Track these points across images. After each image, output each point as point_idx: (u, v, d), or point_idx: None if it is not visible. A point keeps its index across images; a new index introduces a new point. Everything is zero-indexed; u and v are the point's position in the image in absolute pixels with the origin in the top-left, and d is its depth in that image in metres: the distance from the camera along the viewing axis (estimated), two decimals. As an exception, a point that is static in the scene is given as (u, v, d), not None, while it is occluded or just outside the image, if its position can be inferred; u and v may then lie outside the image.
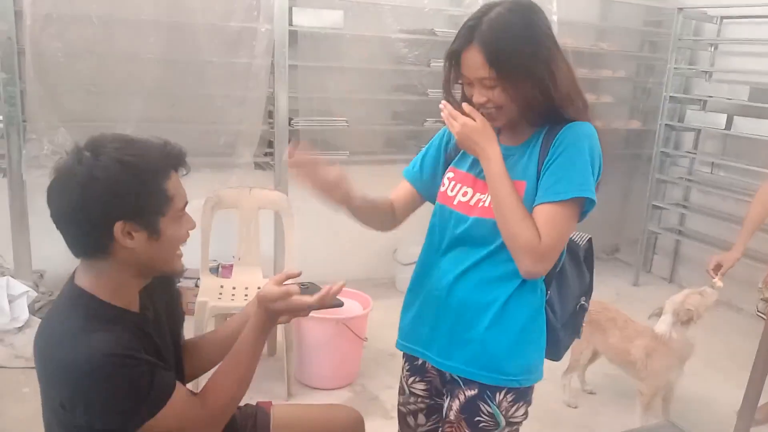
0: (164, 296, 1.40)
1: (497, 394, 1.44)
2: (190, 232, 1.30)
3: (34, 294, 3.15)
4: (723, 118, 4.14)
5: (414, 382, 1.63)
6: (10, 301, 3.02)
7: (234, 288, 2.98)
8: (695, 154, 4.53)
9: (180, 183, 1.25)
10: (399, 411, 1.71)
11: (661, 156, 4.55)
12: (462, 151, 1.51)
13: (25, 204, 3.20)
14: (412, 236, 4.22)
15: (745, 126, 4.01)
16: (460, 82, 1.45)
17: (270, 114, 3.58)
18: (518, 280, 1.42)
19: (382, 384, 3.04)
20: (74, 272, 1.27)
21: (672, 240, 4.74)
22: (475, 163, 1.46)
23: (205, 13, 3.31)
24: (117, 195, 1.15)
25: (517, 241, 1.34)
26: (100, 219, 1.15)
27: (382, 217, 1.61)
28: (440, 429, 1.56)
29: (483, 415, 1.45)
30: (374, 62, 3.92)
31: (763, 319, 2.37)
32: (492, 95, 1.37)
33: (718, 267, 2.74)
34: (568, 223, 1.36)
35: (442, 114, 1.44)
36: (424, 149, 1.65)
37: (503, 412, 1.45)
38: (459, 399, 1.47)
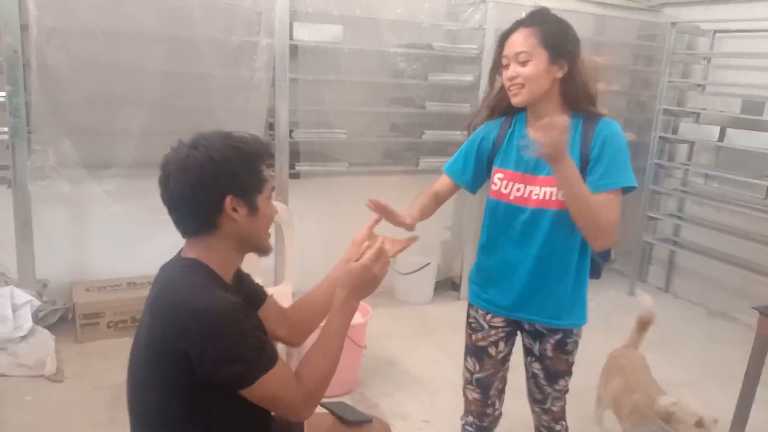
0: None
1: (575, 330, 1.92)
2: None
3: (37, 303, 3.19)
4: (716, 130, 4.21)
5: (492, 318, 1.97)
6: (13, 310, 3.06)
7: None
8: (689, 165, 4.59)
9: (268, 170, 1.45)
10: (478, 347, 2.01)
11: (656, 167, 4.62)
12: (501, 152, 1.87)
13: (30, 214, 3.24)
14: (410, 247, 4.29)
15: (737, 138, 4.07)
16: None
17: (271, 126, 3.63)
18: (577, 248, 1.82)
19: (381, 392, 3.07)
20: (179, 252, 1.45)
21: (667, 250, 4.79)
22: (519, 162, 1.82)
23: (207, 27, 3.35)
24: (230, 172, 1.35)
25: (600, 224, 1.68)
26: (215, 193, 1.35)
27: (429, 212, 1.96)
28: (532, 361, 1.97)
29: (570, 343, 1.92)
30: (373, 76, 3.97)
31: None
32: (522, 71, 1.72)
33: None
34: (620, 204, 1.74)
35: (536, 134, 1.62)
36: (462, 151, 1.97)
37: (579, 337, 1.94)
38: (550, 342, 1.91)
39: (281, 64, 3.50)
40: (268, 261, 3.59)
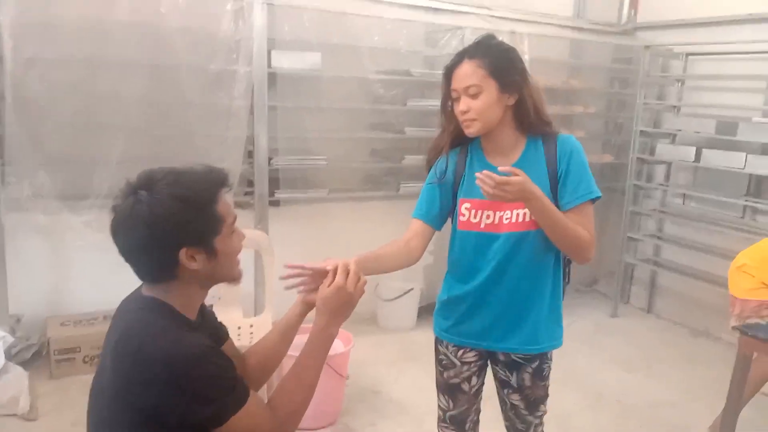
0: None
1: (550, 353, 1.91)
2: (242, 243, 1.41)
3: (10, 339, 3.10)
4: (692, 150, 4.26)
5: (464, 353, 1.93)
6: (-14, 347, 2.98)
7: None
8: (667, 186, 4.65)
9: (227, 201, 1.37)
10: (450, 384, 1.97)
11: (635, 188, 4.66)
12: (464, 183, 1.84)
13: (3, 247, 3.17)
14: (392, 273, 4.27)
15: (713, 158, 4.13)
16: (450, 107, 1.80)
17: (250, 153, 3.61)
18: (550, 271, 1.82)
19: (365, 421, 3.02)
20: (140, 287, 1.38)
21: (648, 271, 4.82)
22: None
23: (186, 55, 3.35)
24: (178, 226, 1.27)
25: (580, 243, 1.72)
26: (166, 249, 1.28)
27: (396, 262, 1.83)
28: (510, 393, 1.93)
29: (546, 369, 1.91)
30: (352, 102, 3.99)
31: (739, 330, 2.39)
32: (473, 104, 1.70)
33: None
34: (593, 215, 1.77)
35: (483, 187, 1.59)
36: (425, 193, 1.92)
37: (551, 359, 1.93)
38: (528, 372, 1.89)
39: (260, 92, 3.49)
40: (248, 289, 3.55)
